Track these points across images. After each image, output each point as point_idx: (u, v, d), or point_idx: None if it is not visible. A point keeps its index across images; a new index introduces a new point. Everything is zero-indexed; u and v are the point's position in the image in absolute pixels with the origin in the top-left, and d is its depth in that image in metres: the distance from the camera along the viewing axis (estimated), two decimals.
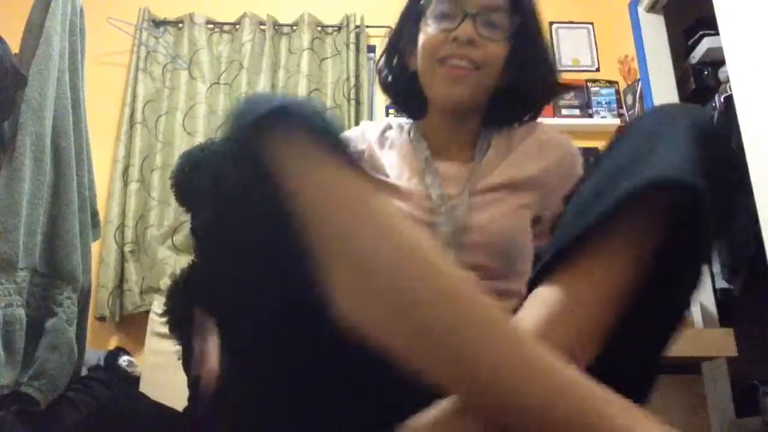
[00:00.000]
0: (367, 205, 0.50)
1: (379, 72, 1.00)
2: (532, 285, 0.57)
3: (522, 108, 0.95)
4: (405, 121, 1.00)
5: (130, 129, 3.05)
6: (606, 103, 3.27)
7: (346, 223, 0.49)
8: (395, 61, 0.97)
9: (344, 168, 0.50)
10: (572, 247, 0.54)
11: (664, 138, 0.55)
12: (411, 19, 0.93)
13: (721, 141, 0.60)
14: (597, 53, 3.42)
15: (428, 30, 0.88)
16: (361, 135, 0.99)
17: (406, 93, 0.96)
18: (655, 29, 3.13)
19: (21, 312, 1.30)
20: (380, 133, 0.98)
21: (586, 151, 3.19)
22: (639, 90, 3.11)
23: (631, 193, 0.51)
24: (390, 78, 0.98)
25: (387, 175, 0.91)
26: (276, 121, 0.51)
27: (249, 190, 0.52)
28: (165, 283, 2.67)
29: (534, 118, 0.96)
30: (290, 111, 0.51)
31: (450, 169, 0.91)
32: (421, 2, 0.89)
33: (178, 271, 1.67)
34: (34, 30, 1.53)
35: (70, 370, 1.39)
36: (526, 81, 0.90)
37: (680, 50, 3.17)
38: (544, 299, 0.54)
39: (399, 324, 0.47)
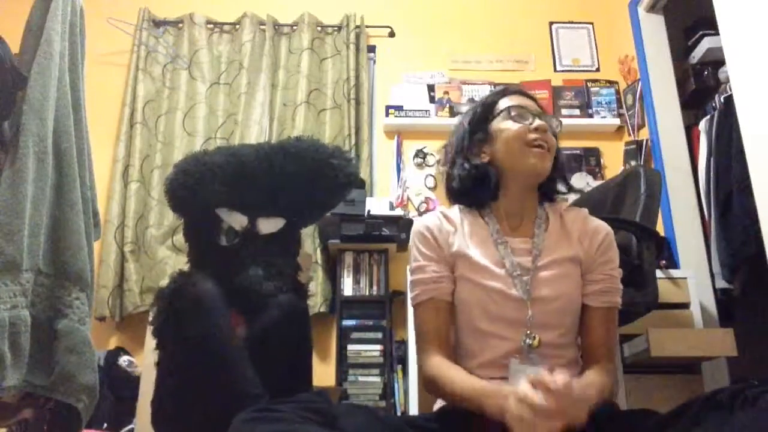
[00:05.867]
0: None
1: (446, 178, 1.30)
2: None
3: (551, 190, 1.27)
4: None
5: (130, 129, 3.05)
6: (606, 103, 3.27)
7: None
8: (460, 163, 1.26)
9: None
10: None
11: None
12: (476, 128, 1.26)
13: None
14: (597, 53, 3.42)
15: (510, 126, 1.21)
16: (443, 217, 1.27)
17: (474, 184, 1.24)
18: (655, 29, 3.13)
19: (26, 313, 1.30)
20: (459, 212, 1.29)
21: (587, 151, 3.20)
22: (639, 90, 3.11)
23: None
24: (457, 179, 1.26)
25: (467, 245, 1.20)
26: None
27: None
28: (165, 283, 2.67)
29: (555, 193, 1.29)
30: None
31: (518, 244, 1.20)
32: (496, 109, 1.24)
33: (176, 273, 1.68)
34: (35, 30, 1.53)
35: (94, 365, 1.40)
36: (555, 171, 1.24)
37: (680, 50, 3.17)
38: None
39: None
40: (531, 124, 1.20)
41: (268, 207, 1.58)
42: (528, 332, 1.11)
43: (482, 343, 1.15)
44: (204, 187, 1.51)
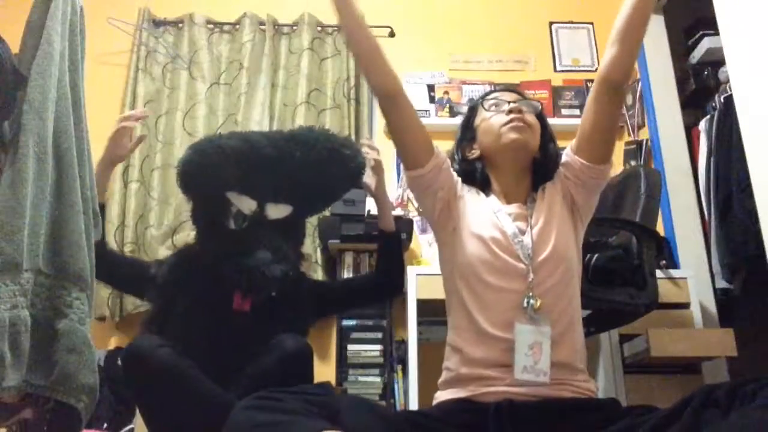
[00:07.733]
0: None
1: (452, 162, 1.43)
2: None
3: (546, 174, 1.36)
4: None
5: None
6: None
7: None
8: (458, 156, 1.41)
9: None
10: None
11: None
12: (464, 130, 1.41)
13: None
14: (597, 53, 3.42)
15: (488, 117, 1.34)
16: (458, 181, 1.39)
17: (468, 173, 1.38)
18: (655, 29, 3.13)
19: (26, 313, 1.30)
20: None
21: None
22: (639, 90, 3.11)
23: None
24: (457, 167, 1.40)
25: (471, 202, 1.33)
26: None
27: None
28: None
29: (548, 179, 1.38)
30: None
31: (516, 210, 1.30)
32: (480, 101, 1.39)
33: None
34: (34, 30, 1.52)
35: (94, 365, 1.41)
36: (548, 152, 1.35)
37: (680, 50, 3.17)
38: None
39: None
40: (506, 111, 1.31)
41: (278, 193, 1.61)
42: (530, 294, 1.17)
43: (489, 299, 1.20)
44: (217, 169, 1.54)
